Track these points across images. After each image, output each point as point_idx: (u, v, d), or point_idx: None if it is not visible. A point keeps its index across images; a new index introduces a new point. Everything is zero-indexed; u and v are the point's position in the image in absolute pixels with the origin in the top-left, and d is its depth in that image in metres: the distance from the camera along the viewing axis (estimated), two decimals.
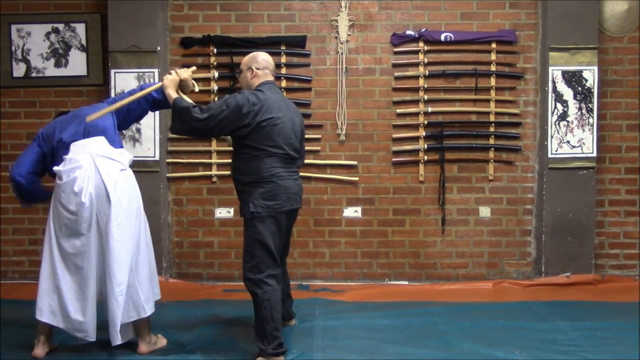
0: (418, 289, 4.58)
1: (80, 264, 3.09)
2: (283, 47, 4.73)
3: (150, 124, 4.57)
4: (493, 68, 4.73)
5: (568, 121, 4.61)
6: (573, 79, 4.60)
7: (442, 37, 4.68)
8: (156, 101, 3.34)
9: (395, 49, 4.74)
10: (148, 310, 3.20)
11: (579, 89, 4.61)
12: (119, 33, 4.57)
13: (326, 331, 3.62)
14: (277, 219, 3.18)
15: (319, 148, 4.74)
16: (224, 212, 4.81)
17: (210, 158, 4.79)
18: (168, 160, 4.76)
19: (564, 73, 4.60)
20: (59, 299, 3.11)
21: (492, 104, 4.75)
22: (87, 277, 3.09)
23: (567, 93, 4.61)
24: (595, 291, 4.45)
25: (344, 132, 4.75)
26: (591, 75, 4.60)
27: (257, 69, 3.32)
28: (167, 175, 4.76)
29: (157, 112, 4.52)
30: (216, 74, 4.71)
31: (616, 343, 3.39)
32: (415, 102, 4.75)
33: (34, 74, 4.81)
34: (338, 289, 4.55)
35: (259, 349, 3.13)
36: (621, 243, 4.83)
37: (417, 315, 3.89)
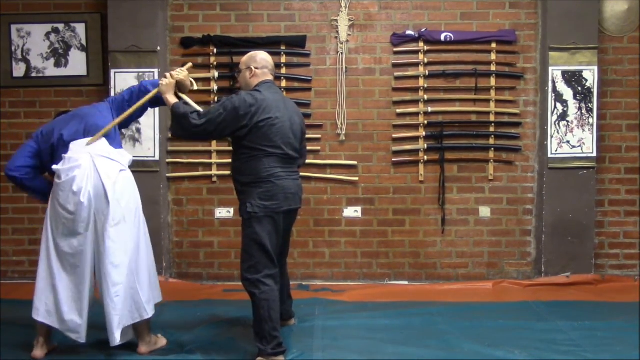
0: (418, 289, 4.58)
1: (77, 264, 3.09)
2: (283, 47, 4.74)
3: (150, 124, 4.57)
4: (493, 68, 4.73)
5: (568, 121, 4.61)
6: (573, 79, 4.60)
7: (442, 37, 4.68)
8: (155, 98, 3.34)
9: (395, 49, 4.74)
10: (150, 311, 3.20)
11: (579, 89, 4.61)
12: (119, 33, 4.57)
13: (326, 331, 3.62)
14: (275, 219, 3.18)
15: (319, 148, 4.74)
16: (224, 212, 4.81)
17: (210, 158, 4.79)
18: (168, 160, 4.76)
19: (564, 73, 4.60)
20: (55, 298, 3.11)
21: (492, 104, 4.75)
22: (83, 277, 3.08)
23: (567, 93, 4.61)
24: (595, 291, 4.45)
25: (344, 132, 4.75)
26: (591, 75, 4.60)
27: (256, 68, 3.32)
28: (167, 175, 4.76)
29: (157, 113, 4.53)
30: (216, 74, 4.71)
31: (616, 343, 3.39)
32: (415, 102, 4.75)
33: (34, 74, 4.81)
34: (338, 289, 4.55)
35: (258, 349, 3.13)
36: (621, 243, 4.83)
37: (417, 315, 3.89)
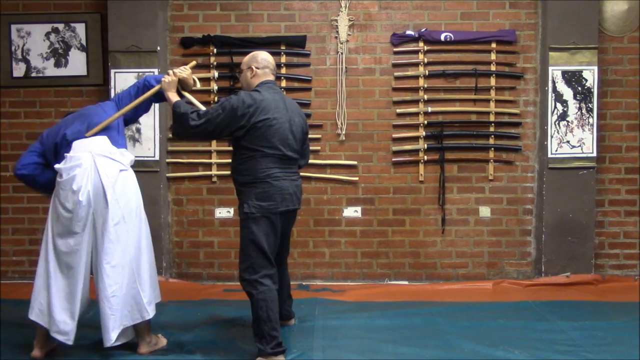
0: (418, 289, 4.58)
1: (71, 264, 3.07)
2: (283, 47, 4.74)
3: (150, 124, 4.57)
4: (493, 68, 4.73)
5: (568, 121, 4.61)
6: (573, 78, 4.60)
7: (442, 37, 4.68)
8: (159, 93, 3.33)
9: (395, 49, 4.74)
10: (151, 312, 3.20)
11: (579, 88, 4.61)
12: (119, 33, 4.57)
13: (326, 331, 3.61)
14: (272, 219, 3.17)
15: (319, 148, 4.74)
16: (224, 212, 4.81)
17: (210, 158, 4.79)
18: (168, 160, 4.76)
19: (564, 73, 4.60)
20: (47, 298, 3.09)
21: (492, 104, 4.75)
22: (77, 279, 3.07)
23: (567, 93, 4.61)
24: (595, 291, 4.44)
25: (344, 132, 4.75)
26: (591, 75, 4.60)
27: (257, 68, 3.32)
28: (167, 175, 4.77)
29: (157, 113, 4.53)
30: (216, 74, 4.71)
31: (616, 343, 3.39)
32: (415, 102, 4.75)
33: (34, 74, 4.81)
34: (338, 289, 4.55)
35: (258, 349, 3.13)
36: (621, 243, 4.83)
37: (417, 315, 3.89)
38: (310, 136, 4.48)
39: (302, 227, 4.72)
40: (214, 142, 4.74)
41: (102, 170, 3.07)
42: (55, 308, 3.06)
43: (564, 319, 3.80)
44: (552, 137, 4.62)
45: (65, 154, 3.12)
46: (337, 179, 4.78)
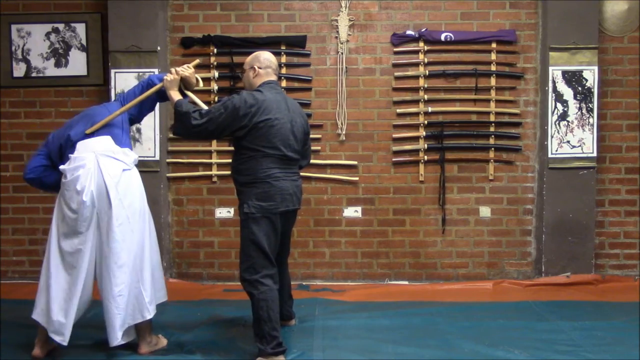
0: (418, 289, 4.58)
1: (74, 264, 3.08)
2: (283, 47, 4.74)
3: (150, 124, 4.57)
4: (493, 68, 4.73)
5: (568, 121, 4.61)
6: (573, 78, 4.60)
7: (442, 37, 4.68)
8: (161, 92, 3.33)
9: (395, 49, 4.74)
10: (152, 311, 3.20)
11: (579, 88, 4.61)
12: (119, 33, 4.57)
13: (326, 331, 3.62)
14: (272, 220, 3.17)
15: (319, 148, 4.74)
16: (224, 212, 4.81)
17: (210, 158, 4.79)
18: (168, 160, 4.76)
19: (564, 73, 4.60)
20: (47, 297, 3.10)
21: (492, 104, 4.75)
22: (77, 279, 3.07)
23: (567, 93, 4.61)
24: (595, 291, 4.44)
25: (344, 132, 4.75)
26: (591, 75, 4.60)
27: (259, 68, 3.32)
28: (167, 175, 4.77)
29: (157, 113, 4.53)
30: (216, 74, 4.71)
31: (616, 343, 3.39)
32: (416, 102, 4.75)
33: (34, 74, 4.81)
34: (338, 289, 4.55)
35: (258, 349, 3.13)
36: (621, 243, 4.83)
37: (417, 315, 3.89)
38: (310, 136, 4.50)
39: (302, 227, 4.72)
40: (214, 142, 4.74)
41: (105, 170, 3.07)
42: (54, 308, 3.07)
43: (564, 319, 3.80)
44: (552, 137, 4.62)
45: (70, 155, 3.13)
46: (337, 179, 4.78)
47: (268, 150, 3.16)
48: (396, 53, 4.75)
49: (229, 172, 4.10)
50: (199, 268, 4.85)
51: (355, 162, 4.77)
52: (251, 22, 4.75)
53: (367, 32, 4.75)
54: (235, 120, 3.11)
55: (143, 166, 4.49)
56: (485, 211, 4.79)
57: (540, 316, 3.89)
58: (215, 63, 4.73)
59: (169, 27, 4.75)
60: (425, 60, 4.73)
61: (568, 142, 4.62)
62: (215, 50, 4.72)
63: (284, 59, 4.73)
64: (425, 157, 4.75)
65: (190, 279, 4.80)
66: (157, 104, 3.66)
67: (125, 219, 3.09)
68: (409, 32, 4.71)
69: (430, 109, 4.73)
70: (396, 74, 4.74)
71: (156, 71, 4.55)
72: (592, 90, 4.61)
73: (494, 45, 4.72)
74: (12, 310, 3.97)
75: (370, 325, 3.74)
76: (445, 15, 4.73)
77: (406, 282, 4.77)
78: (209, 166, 4.79)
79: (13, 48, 4.80)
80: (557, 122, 4.62)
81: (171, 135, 4.68)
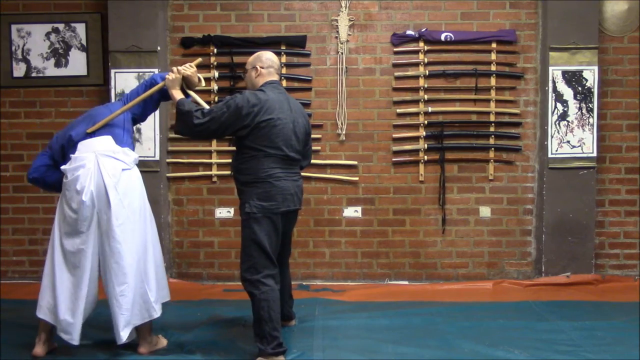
0: (418, 289, 4.58)
1: (77, 263, 3.09)
2: (283, 47, 4.74)
3: (150, 124, 4.57)
4: (493, 68, 4.73)
5: (568, 121, 4.61)
6: (573, 78, 4.60)
7: (442, 37, 4.68)
8: (164, 91, 3.33)
9: (396, 49, 4.74)
10: (158, 310, 3.21)
11: (579, 88, 4.61)
12: (119, 33, 4.57)
13: (326, 331, 3.61)
14: (273, 219, 3.17)
15: (319, 148, 4.74)
16: (224, 212, 4.81)
17: (210, 158, 4.79)
18: (168, 160, 4.76)
19: (564, 73, 4.60)
20: (53, 297, 3.12)
21: (492, 104, 4.75)
22: (82, 278, 3.08)
23: (567, 93, 4.61)
24: (595, 291, 4.44)
25: (344, 132, 4.75)
26: (591, 75, 4.60)
27: (262, 67, 3.32)
28: (167, 175, 4.77)
29: (157, 113, 4.51)
30: (216, 74, 4.72)
31: (616, 343, 3.39)
32: (416, 102, 4.75)
33: (34, 74, 4.81)
34: (338, 289, 4.55)
35: (258, 349, 3.13)
36: (621, 243, 4.83)
37: (417, 315, 3.89)
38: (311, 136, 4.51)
39: (302, 227, 4.72)
40: (214, 142, 4.74)
41: (105, 170, 3.07)
42: (61, 307, 3.09)
43: (564, 319, 3.80)
44: (552, 137, 4.62)
45: (71, 155, 3.14)
46: (337, 179, 4.78)
47: (270, 150, 3.15)
48: (396, 53, 4.75)
49: (229, 172, 4.11)
50: (199, 268, 4.85)
51: (355, 162, 4.77)
52: (251, 22, 4.75)
53: (367, 32, 4.75)
54: (238, 119, 3.10)
55: (143, 166, 4.47)
56: (485, 211, 4.79)
57: (540, 316, 3.89)
58: (215, 63, 4.73)
59: (169, 27, 4.75)
60: (425, 60, 4.73)
61: (568, 142, 4.62)
62: (215, 50, 4.72)
63: (284, 59, 4.73)
64: (425, 157, 4.75)
65: (190, 279, 4.80)
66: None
67: (126, 219, 3.09)
68: (409, 32, 4.71)
69: (430, 109, 4.73)
70: (396, 74, 4.74)
71: (156, 71, 4.54)
72: (592, 90, 4.61)
73: (494, 45, 4.72)
74: (12, 310, 3.97)
75: (370, 325, 3.74)
76: (445, 15, 4.73)
77: (406, 282, 4.77)
78: (209, 166, 4.79)
79: (13, 48, 4.80)
80: (557, 122, 4.62)
81: (171, 135, 4.69)
